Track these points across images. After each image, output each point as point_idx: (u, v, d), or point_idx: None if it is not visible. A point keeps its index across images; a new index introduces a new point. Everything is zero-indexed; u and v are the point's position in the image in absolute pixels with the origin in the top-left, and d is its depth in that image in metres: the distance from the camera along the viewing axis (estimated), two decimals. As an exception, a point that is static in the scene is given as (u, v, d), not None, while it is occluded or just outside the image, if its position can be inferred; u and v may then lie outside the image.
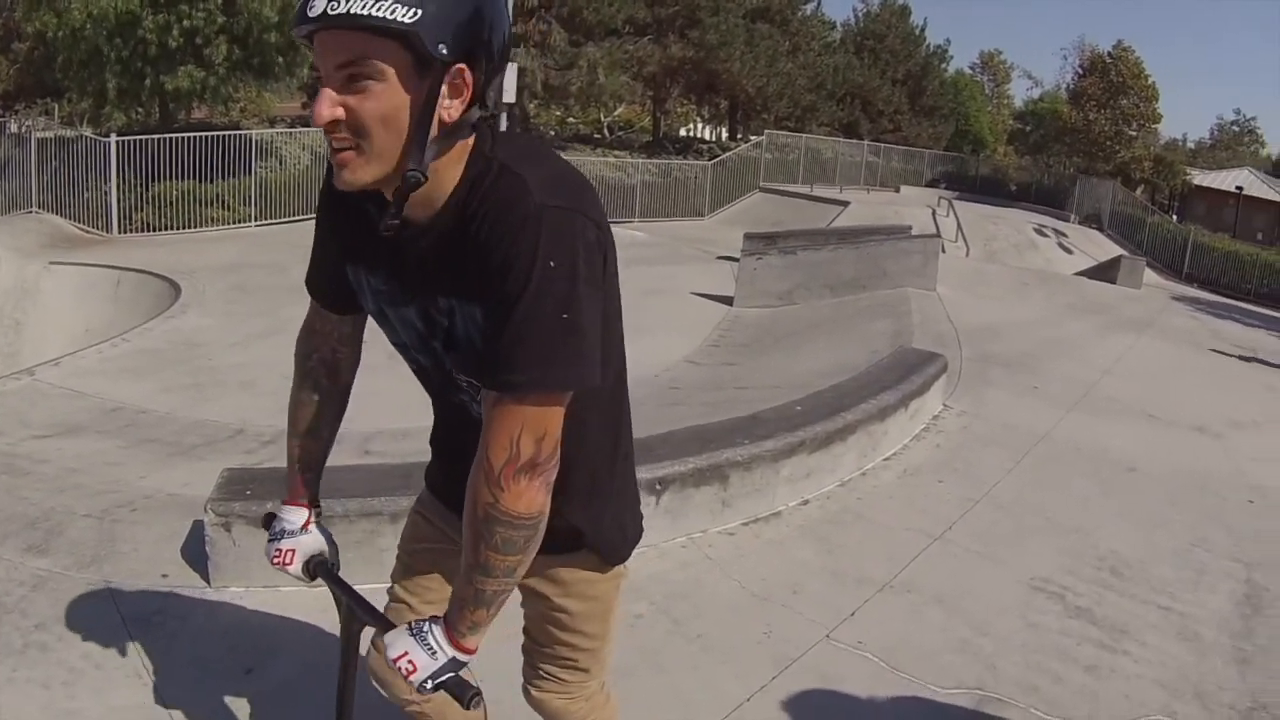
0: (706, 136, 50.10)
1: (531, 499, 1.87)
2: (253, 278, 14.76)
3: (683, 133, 51.13)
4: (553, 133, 40.93)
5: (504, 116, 28.72)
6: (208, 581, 4.42)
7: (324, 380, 2.41)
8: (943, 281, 15.56)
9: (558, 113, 43.41)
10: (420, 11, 1.65)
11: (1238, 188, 57.86)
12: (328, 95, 1.73)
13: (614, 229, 1.92)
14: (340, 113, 1.73)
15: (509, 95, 28.13)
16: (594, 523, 2.27)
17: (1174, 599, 5.66)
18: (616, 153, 34.49)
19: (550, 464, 1.87)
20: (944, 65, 52.39)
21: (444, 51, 1.69)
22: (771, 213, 28.82)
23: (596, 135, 44.44)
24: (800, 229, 18.19)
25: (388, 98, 1.72)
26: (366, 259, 2.07)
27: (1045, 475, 7.50)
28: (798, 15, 41.91)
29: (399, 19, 1.63)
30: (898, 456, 7.20)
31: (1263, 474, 8.69)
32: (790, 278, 14.50)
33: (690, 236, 24.60)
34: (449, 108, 1.77)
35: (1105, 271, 26.61)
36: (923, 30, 49.30)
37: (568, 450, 1.93)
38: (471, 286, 1.84)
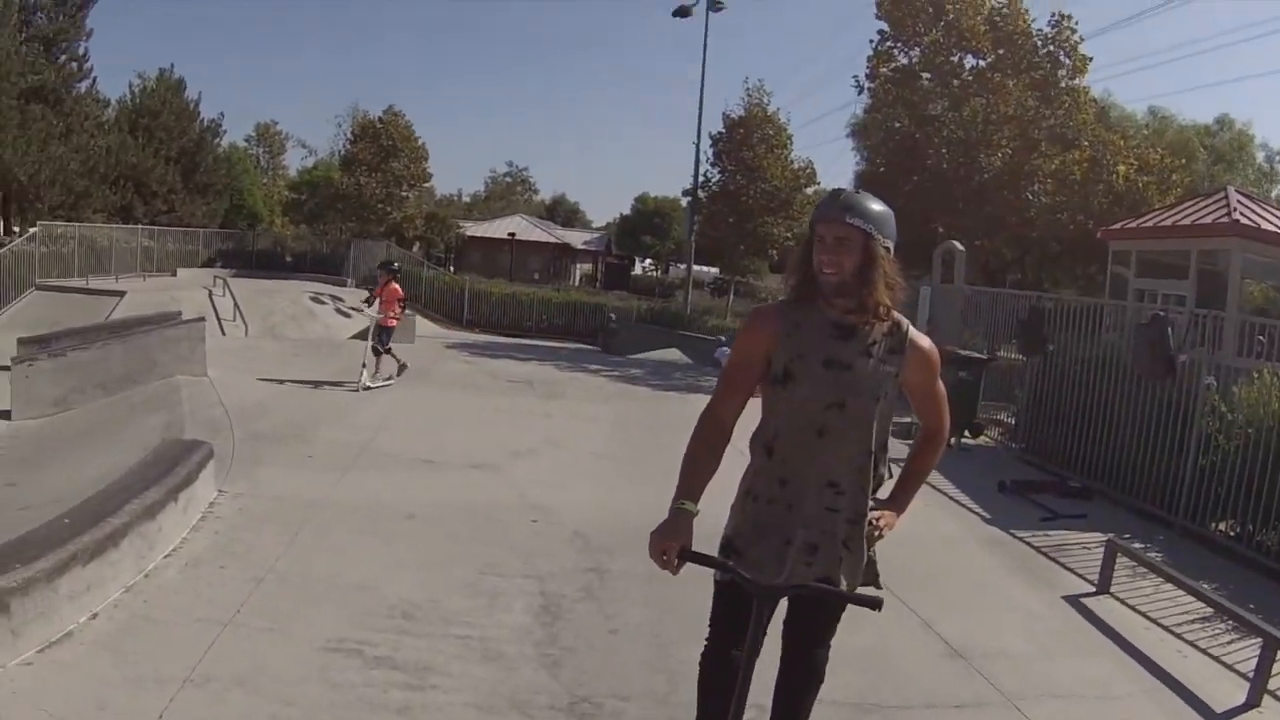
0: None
1: None
2: None
3: (-48, 230, 47.55)
4: None
5: None
6: None
7: None
8: (216, 363, 15.68)
9: None
10: None
11: (510, 234, 62.41)
12: None
13: None
14: None
15: None
16: None
17: (471, 626, 6.22)
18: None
19: None
20: (218, 140, 52.08)
21: None
22: (51, 312, 27.31)
23: None
24: (74, 327, 17.49)
25: None
26: None
27: (326, 540, 7.82)
28: (72, 94, 40.18)
29: None
30: (179, 551, 7.15)
31: (541, 495, 9.71)
32: (64, 381, 14.01)
33: (-38, 347, 22.70)
34: None
35: (377, 333, 27.87)
36: (197, 105, 48.95)
37: None
38: None
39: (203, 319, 16.89)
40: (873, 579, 4.06)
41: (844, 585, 3.85)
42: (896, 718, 5.47)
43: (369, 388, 15.79)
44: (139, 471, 7.73)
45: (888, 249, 3.65)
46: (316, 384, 16.00)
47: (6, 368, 14.27)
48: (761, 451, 3.85)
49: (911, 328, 3.82)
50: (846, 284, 3.63)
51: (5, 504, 9.37)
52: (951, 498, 11.47)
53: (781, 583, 3.69)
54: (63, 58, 40.40)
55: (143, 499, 6.88)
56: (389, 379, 16.70)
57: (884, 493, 4.06)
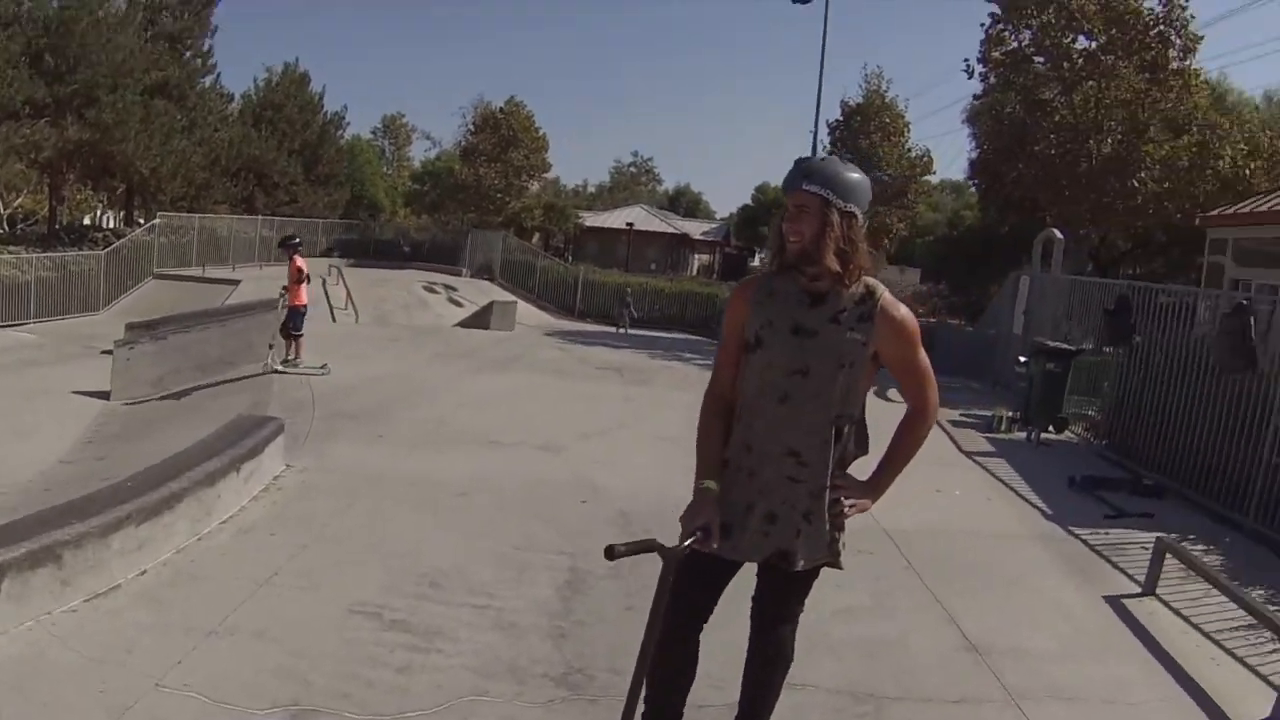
0: (110, 223, 48.34)
1: None
2: None
3: (87, 220, 49.16)
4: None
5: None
6: None
7: None
8: (314, 348, 16.22)
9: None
10: None
11: (628, 224, 62.47)
12: None
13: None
14: None
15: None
16: None
17: (492, 597, 6.41)
18: (12, 248, 32.58)
19: None
20: (340, 133, 53.02)
21: None
22: (167, 299, 28.33)
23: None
24: (177, 314, 17.99)
25: None
26: None
27: (377, 512, 8.17)
28: (196, 89, 41.11)
29: None
30: (235, 518, 7.54)
31: (598, 475, 9.93)
32: (163, 363, 14.58)
33: (83, 333, 23.74)
34: None
35: (479, 319, 28.26)
36: (321, 98, 50.00)
37: None
38: None
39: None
40: (834, 559, 3.95)
41: (800, 561, 3.83)
42: (889, 710, 5.38)
43: (279, 370, 15.07)
44: (208, 443, 8.14)
45: (850, 215, 3.64)
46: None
47: (110, 351, 14.92)
48: (735, 416, 3.88)
49: (886, 295, 3.75)
50: (809, 251, 3.63)
51: (92, 475, 9.92)
52: (1016, 492, 11.29)
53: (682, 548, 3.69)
54: (188, 54, 41.40)
55: (204, 467, 7.33)
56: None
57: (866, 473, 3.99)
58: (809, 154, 39.10)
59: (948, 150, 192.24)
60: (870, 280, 3.74)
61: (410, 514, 8.27)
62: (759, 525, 3.79)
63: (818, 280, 3.68)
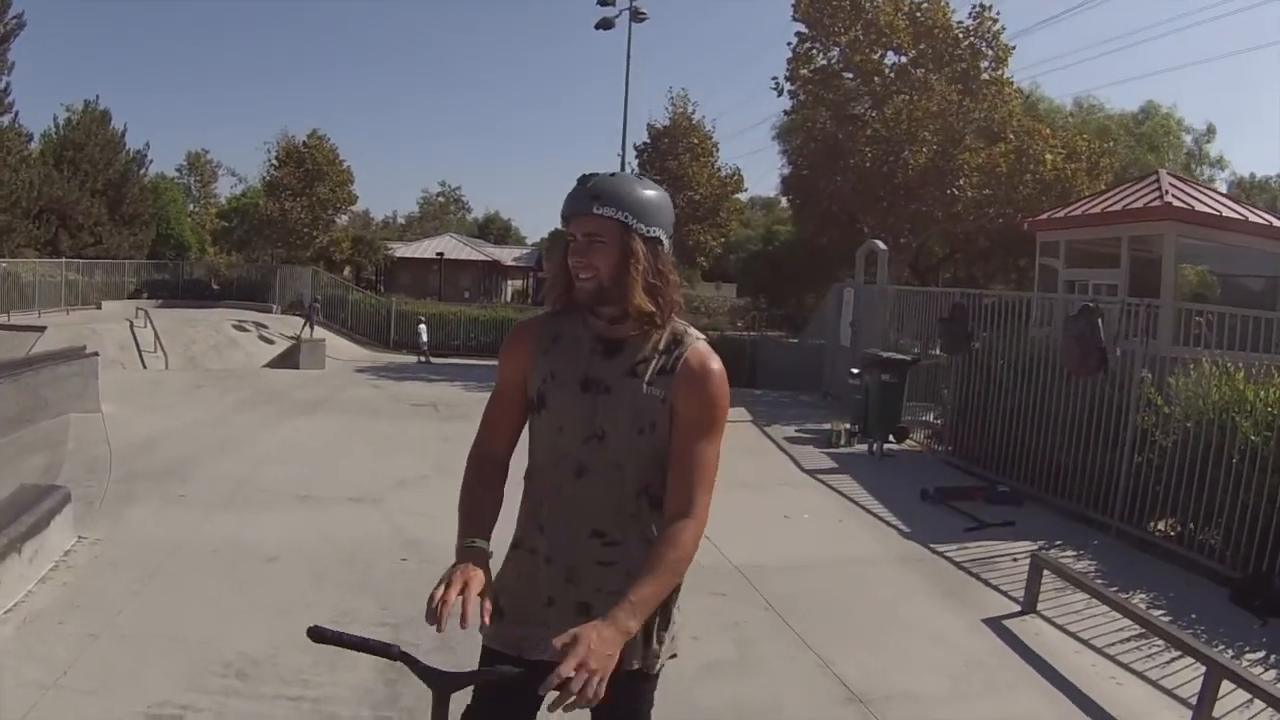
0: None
1: None
2: None
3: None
4: None
5: None
6: None
7: None
8: (117, 399, 15.15)
9: None
10: None
11: (438, 254, 62.00)
12: None
13: None
14: None
15: None
16: None
17: (308, 686, 5.65)
18: None
19: None
20: (144, 171, 51.12)
21: None
22: None
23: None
24: None
25: None
26: None
27: (177, 589, 7.26)
28: None
29: None
30: (20, 605, 6.59)
31: (417, 529, 9.05)
32: None
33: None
34: None
35: (288, 358, 27.47)
36: (123, 136, 48.10)
37: None
38: None
39: (96, 354, 16.16)
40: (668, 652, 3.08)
41: (633, 660, 2.92)
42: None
43: None
44: (-18, 522, 7.19)
45: (656, 240, 2.89)
46: None
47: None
48: (526, 490, 3.13)
49: (698, 342, 2.96)
50: (606, 289, 2.86)
51: None
52: (869, 510, 10.96)
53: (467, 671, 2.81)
54: (-15, 93, 39.42)
55: (-22, 550, 6.39)
56: None
57: None
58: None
59: (757, 167, 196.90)
60: (680, 325, 2.99)
61: (214, 589, 7.36)
62: (570, 620, 2.73)
63: (618, 323, 2.94)
